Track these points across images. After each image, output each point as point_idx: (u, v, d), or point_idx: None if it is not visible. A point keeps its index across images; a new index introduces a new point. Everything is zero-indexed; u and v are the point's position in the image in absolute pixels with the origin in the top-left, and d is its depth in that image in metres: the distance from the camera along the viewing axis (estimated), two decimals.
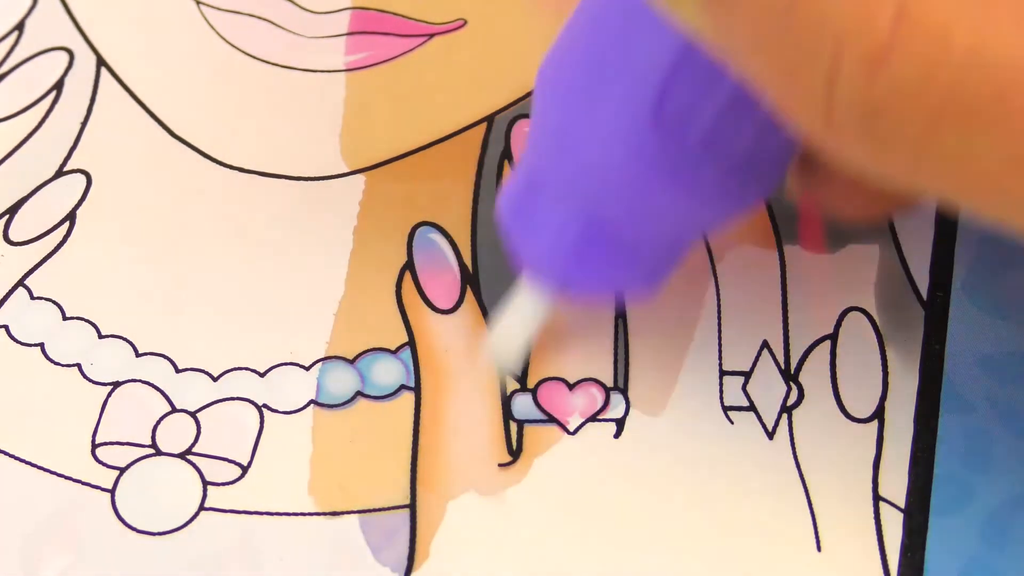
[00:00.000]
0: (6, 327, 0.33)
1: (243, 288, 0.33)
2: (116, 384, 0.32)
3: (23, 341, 0.33)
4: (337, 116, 0.35)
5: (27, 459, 0.31)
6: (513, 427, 0.31)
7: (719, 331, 0.32)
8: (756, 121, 0.27)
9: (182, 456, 0.31)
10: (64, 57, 0.36)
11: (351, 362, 0.32)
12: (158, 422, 0.32)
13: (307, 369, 0.32)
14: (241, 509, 0.31)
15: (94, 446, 0.31)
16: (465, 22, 0.37)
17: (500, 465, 0.31)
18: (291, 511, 0.31)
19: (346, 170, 0.35)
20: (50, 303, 0.33)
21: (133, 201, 0.35)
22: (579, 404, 0.32)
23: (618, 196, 0.28)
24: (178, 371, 0.32)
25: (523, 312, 0.31)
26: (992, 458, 0.31)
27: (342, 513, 0.31)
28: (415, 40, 0.36)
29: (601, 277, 0.30)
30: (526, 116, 0.35)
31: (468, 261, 0.33)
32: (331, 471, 0.31)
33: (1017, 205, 0.22)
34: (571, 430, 0.31)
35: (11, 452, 0.31)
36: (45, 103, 0.36)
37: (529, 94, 0.34)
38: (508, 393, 0.32)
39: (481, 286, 0.33)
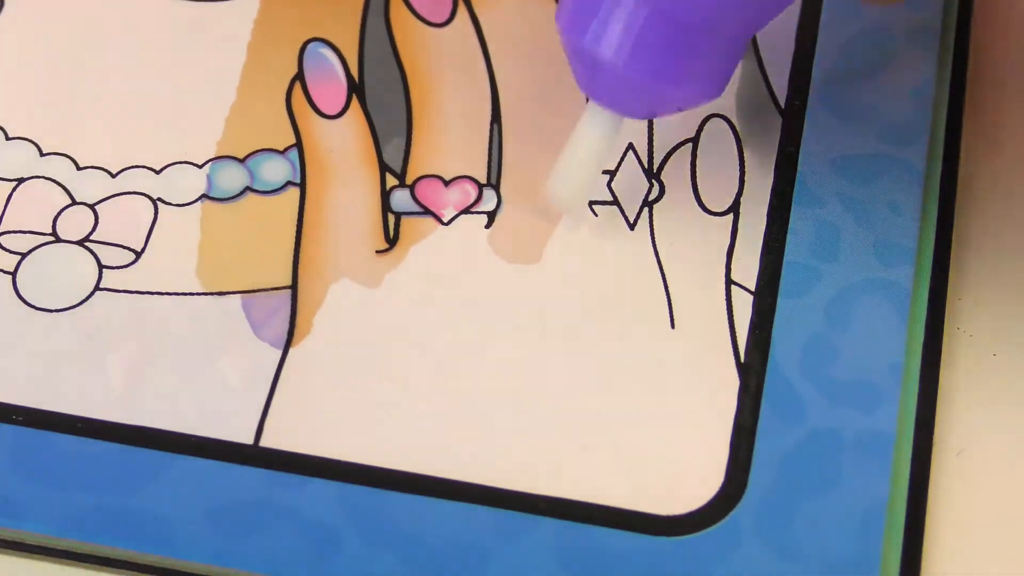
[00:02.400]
0: None
1: (141, 95, 0.35)
2: (20, 180, 0.34)
3: None
4: None
5: None
6: (391, 218, 0.34)
7: None
8: None
9: (80, 243, 0.33)
10: None
11: (241, 161, 0.34)
12: (59, 213, 0.34)
13: (200, 167, 0.34)
14: (134, 289, 0.33)
15: None
16: None
17: (377, 252, 0.33)
18: (179, 291, 0.33)
19: None
20: None
21: (38, 10, 0.37)
22: (454, 198, 0.34)
23: None
24: (79, 168, 0.34)
25: (588, 141, 0.32)
26: (839, 249, 0.33)
27: (227, 293, 0.33)
28: None
29: (669, 76, 0.29)
30: None
31: (355, 72, 0.36)
32: (218, 256, 0.33)
33: None
34: (445, 221, 0.34)
35: None
36: None
37: None
38: (387, 189, 0.34)
39: (366, 95, 0.35)
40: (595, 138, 0.32)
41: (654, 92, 0.30)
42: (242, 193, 0.34)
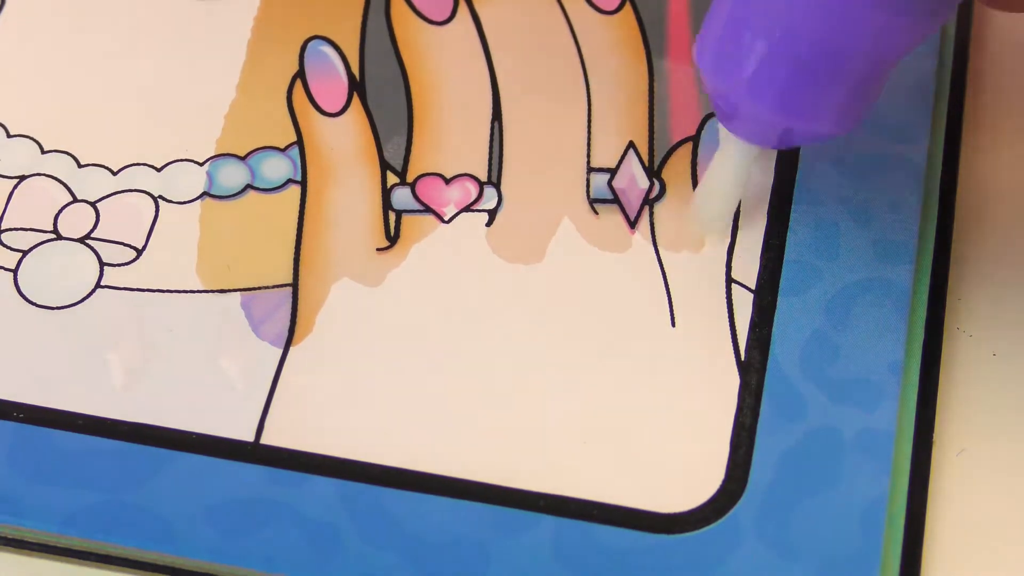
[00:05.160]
0: None
1: (142, 93, 0.35)
2: (22, 178, 0.34)
3: None
4: None
5: None
6: (392, 216, 0.34)
7: (588, 134, 0.35)
8: None
9: (81, 240, 0.33)
10: None
11: (242, 159, 0.34)
12: (60, 211, 0.34)
13: (200, 165, 0.34)
14: (135, 287, 0.33)
15: None
16: None
17: (378, 250, 0.33)
18: (180, 288, 0.33)
19: None
20: None
21: (39, 8, 0.37)
22: (454, 196, 0.34)
23: (826, 24, 0.28)
24: (80, 166, 0.34)
25: (729, 166, 0.32)
26: (839, 247, 0.33)
27: (228, 291, 0.33)
28: None
29: (806, 116, 0.29)
30: None
31: (356, 70, 0.36)
32: (219, 254, 0.33)
33: None
34: (446, 219, 0.34)
35: None
36: None
37: None
38: (388, 186, 0.34)
39: (367, 93, 0.35)
40: (731, 167, 0.32)
41: (783, 127, 0.30)
42: (243, 191, 0.34)
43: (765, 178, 0.34)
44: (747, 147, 0.31)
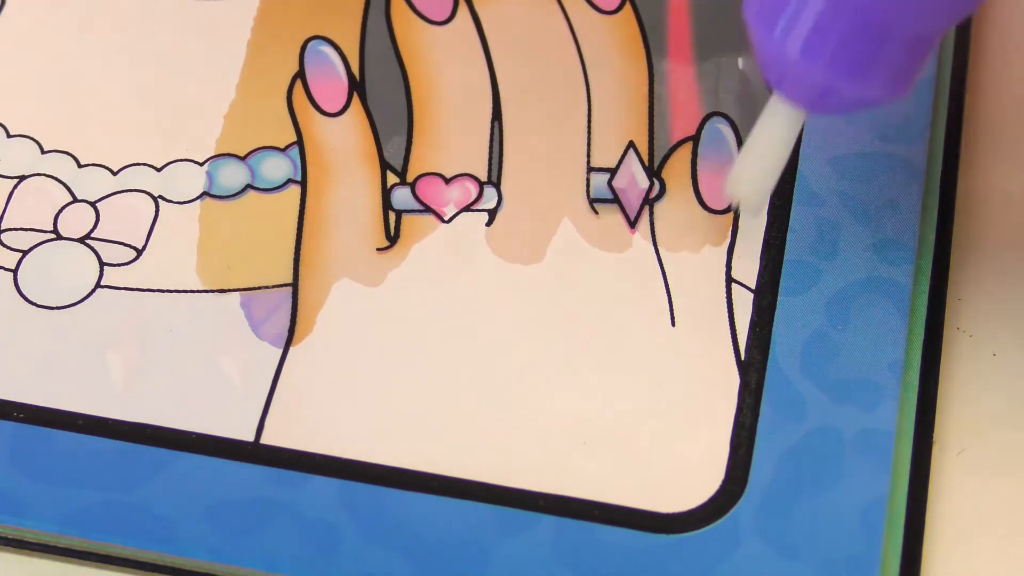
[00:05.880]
0: None
1: (142, 93, 0.35)
2: (22, 178, 0.34)
3: None
4: None
5: None
6: (392, 216, 0.34)
7: (588, 134, 0.35)
8: None
9: (81, 240, 0.33)
10: None
11: (242, 159, 0.34)
12: (60, 211, 0.34)
13: (200, 165, 0.34)
14: (135, 287, 0.33)
15: None
16: None
17: (378, 250, 0.33)
18: (180, 288, 0.33)
19: None
20: None
21: (39, 8, 0.37)
22: (454, 196, 0.34)
23: None
24: (80, 166, 0.34)
25: (773, 135, 0.31)
26: (839, 247, 0.33)
27: (228, 291, 0.33)
28: None
29: (858, 76, 0.28)
30: None
31: (356, 70, 0.36)
32: (219, 254, 0.33)
33: None
34: (446, 219, 0.34)
35: None
36: None
37: None
38: (388, 186, 0.34)
39: (367, 93, 0.35)
40: (776, 133, 0.31)
41: (834, 88, 0.29)
42: (243, 191, 0.34)
43: None
44: (794, 113, 0.30)
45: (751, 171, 0.32)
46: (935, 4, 0.28)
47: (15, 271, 0.33)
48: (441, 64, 0.36)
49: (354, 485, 0.31)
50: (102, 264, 0.33)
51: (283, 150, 0.35)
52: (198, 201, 0.34)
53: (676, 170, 0.34)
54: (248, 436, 0.31)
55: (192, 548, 0.30)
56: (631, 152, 0.34)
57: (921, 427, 0.31)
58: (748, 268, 0.33)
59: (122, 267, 0.33)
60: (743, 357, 0.32)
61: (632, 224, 0.34)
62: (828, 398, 0.31)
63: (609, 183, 0.34)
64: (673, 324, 0.32)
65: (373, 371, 0.32)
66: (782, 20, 0.28)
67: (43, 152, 0.35)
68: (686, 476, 0.31)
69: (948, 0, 0.28)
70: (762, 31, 0.29)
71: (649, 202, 0.34)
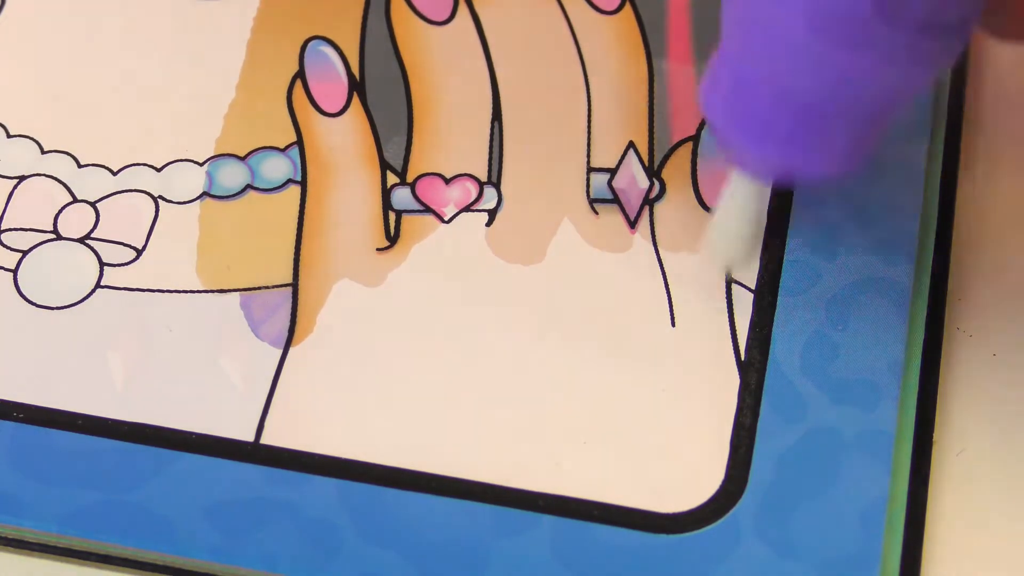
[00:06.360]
0: None
1: (142, 93, 0.36)
2: (22, 178, 0.34)
3: None
4: None
5: None
6: (392, 216, 0.34)
7: (588, 134, 0.35)
8: None
9: (81, 241, 0.34)
10: None
11: (242, 159, 0.34)
12: (60, 211, 0.34)
13: (200, 165, 0.34)
14: (135, 287, 0.33)
15: None
16: None
17: (378, 250, 0.33)
18: (179, 288, 0.33)
19: None
20: None
21: (39, 8, 0.37)
22: (454, 196, 0.34)
23: (825, 76, 0.27)
24: (80, 166, 0.34)
25: (740, 206, 0.31)
26: (839, 247, 0.33)
27: (228, 291, 0.33)
28: None
29: (812, 158, 0.29)
30: None
31: (356, 70, 0.36)
32: (218, 254, 0.33)
33: None
34: (446, 219, 0.34)
35: None
36: None
37: None
38: (388, 186, 0.34)
39: (367, 93, 0.35)
40: (743, 204, 0.31)
41: (793, 168, 0.29)
42: (243, 191, 0.34)
43: None
44: (758, 186, 0.31)
45: (725, 241, 0.32)
46: (880, 89, 0.28)
47: (15, 271, 0.33)
48: (441, 64, 0.36)
49: (354, 485, 0.31)
50: (102, 264, 0.33)
51: (283, 150, 0.35)
52: (198, 201, 0.34)
53: (676, 170, 0.34)
54: (248, 436, 0.31)
55: (192, 548, 0.30)
56: (631, 152, 0.34)
57: (921, 427, 0.31)
58: (748, 268, 0.33)
59: (122, 267, 0.33)
60: (743, 357, 0.32)
61: (632, 224, 0.34)
62: (828, 398, 0.31)
63: (609, 183, 0.34)
64: (673, 324, 0.32)
65: (373, 371, 0.32)
66: (735, 111, 0.29)
67: (43, 152, 0.35)
68: (686, 476, 0.31)
69: (892, 84, 0.28)
70: (718, 121, 0.29)
71: (649, 202, 0.34)
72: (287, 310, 0.33)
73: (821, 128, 0.28)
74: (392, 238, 0.33)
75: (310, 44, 0.36)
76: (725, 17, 0.28)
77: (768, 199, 0.31)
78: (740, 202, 0.31)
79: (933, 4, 0.26)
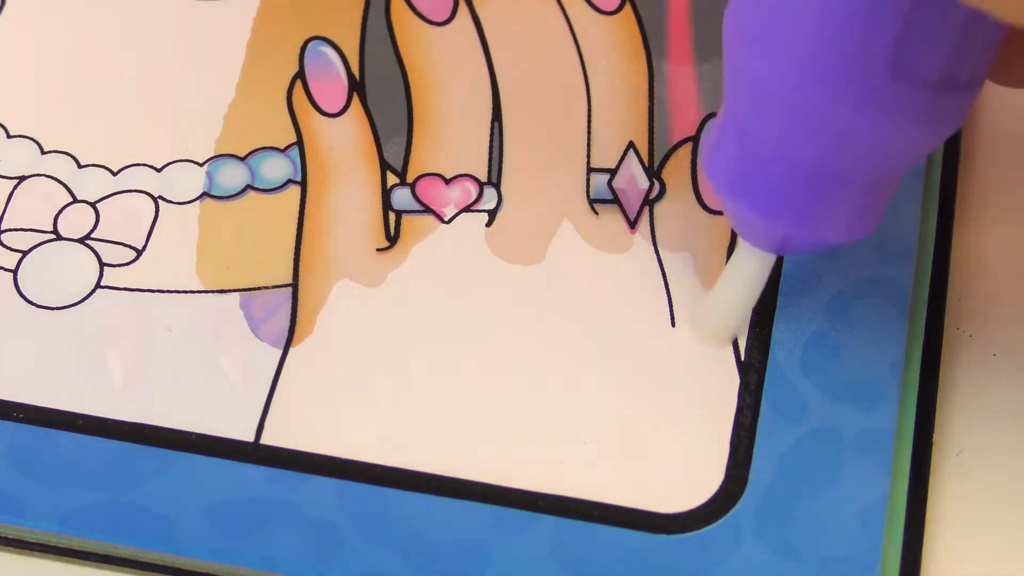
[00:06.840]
0: None
1: (142, 93, 0.36)
2: (22, 178, 0.34)
3: None
4: None
5: None
6: (392, 217, 0.34)
7: (588, 134, 0.35)
8: (983, 44, 0.26)
9: (81, 241, 0.34)
10: None
11: (242, 159, 0.34)
12: (60, 211, 0.34)
13: (200, 165, 0.34)
14: (135, 287, 0.33)
15: None
16: None
17: (378, 250, 0.33)
18: (180, 289, 0.33)
19: None
20: None
21: (39, 9, 0.37)
22: (454, 196, 0.34)
23: (838, 140, 0.27)
24: (80, 167, 0.34)
25: (742, 276, 0.31)
26: (838, 249, 0.33)
27: (227, 291, 0.33)
28: None
29: (824, 226, 0.29)
30: None
31: (356, 70, 0.36)
32: (218, 254, 0.33)
33: None
34: (446, 219, 0.34)
35: None
36: None
37: None
38: (388, 187, 0.34)
39: (367, 93, 0.35)
40: (749, 273, 0.31)
41: (800, 238, 0.29)
42: (243, 191, 0.34)
43: None
44: (765, 255, 0.30)
45: (726, 310, 0.32)
46: (894, 151, 0.28)
47: (15, 271, 0.33)
48: (441, 64, 0.36)
49: (354, 485, 0.31)
50: (102, 264, 0.33)
51: (283, 150, 0.35)
52: (198, 201, 0.34)
53: (676, 170, 0.34)
54: (248, 436, 0.31)
55: (192, 548, 0.30)
56: (631, 152, 0.34)
57: (921, 427, 0.31)
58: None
59: (122, 267, 0.33)
60: (743, 357, 0.32)
61: (632, 224, 0.34)
62: (828, 398, 0.31)
63: (609, 183, 0.34)
64: (673, 324, 0.32)
65: (373, 371, 0.32)
66: (743, 182, 0.29)
67: (43, 152, 0.35)
68: (686, 476, 0.31)
69: (906, 145, 0.27)
70: (725, 191, 0.29)
71: (649, 202, 0.34)
72: (287, 310, 0.33)
73: (834, 195, 0.28)
74: (392, 238, 0.33)
75: (310, 44, 0.36)
76: (728, 81, 0.28)
77: (771, 269, 0.31)
78: (745, 274, 0.31)
79: (947, 64, 0.26)
